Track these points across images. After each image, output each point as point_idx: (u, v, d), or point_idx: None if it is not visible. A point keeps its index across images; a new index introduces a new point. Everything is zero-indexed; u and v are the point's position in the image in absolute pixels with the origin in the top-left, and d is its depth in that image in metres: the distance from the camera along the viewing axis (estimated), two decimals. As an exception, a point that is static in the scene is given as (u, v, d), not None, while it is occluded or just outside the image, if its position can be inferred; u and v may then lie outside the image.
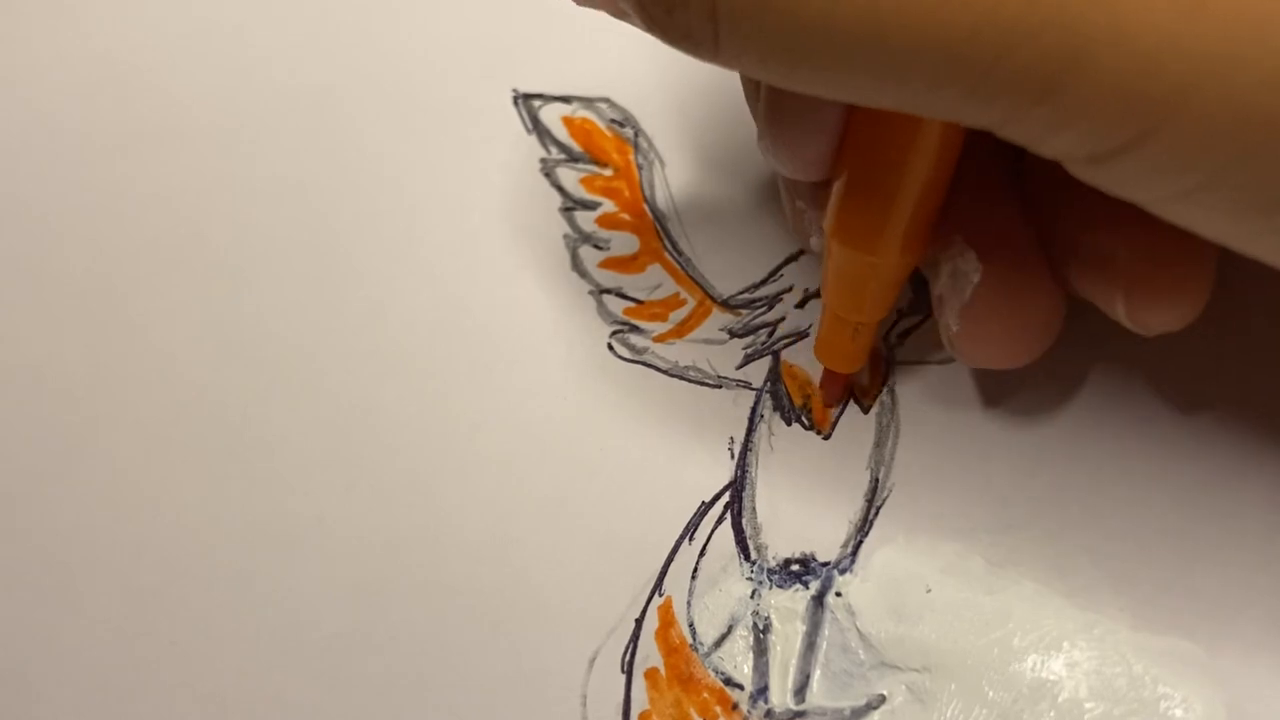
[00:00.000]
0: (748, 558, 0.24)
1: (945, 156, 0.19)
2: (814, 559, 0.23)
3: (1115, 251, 0.20)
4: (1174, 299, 0.20)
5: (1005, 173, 0.22)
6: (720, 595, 0.23)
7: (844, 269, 0.21)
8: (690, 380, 0.25)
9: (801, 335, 0.25)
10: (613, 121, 0.28)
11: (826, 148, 0.20)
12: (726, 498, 0.24)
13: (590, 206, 0.27)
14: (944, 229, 0.21)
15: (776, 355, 0.25)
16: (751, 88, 0.22)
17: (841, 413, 0.24)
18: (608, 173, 0.27)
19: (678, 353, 0.25)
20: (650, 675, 0.23)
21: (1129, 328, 0.20)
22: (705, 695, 0.23)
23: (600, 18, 0.29)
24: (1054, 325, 0.21)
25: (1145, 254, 0.20)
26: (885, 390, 0.25)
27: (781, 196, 0.24)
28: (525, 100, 0.28)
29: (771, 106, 0.20)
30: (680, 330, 0.26)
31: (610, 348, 0.26)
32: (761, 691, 0.23)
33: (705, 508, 0.24)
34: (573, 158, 0.28)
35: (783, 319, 0.25)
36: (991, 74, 0.15)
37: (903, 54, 0.15)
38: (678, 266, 0.26)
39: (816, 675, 0.23)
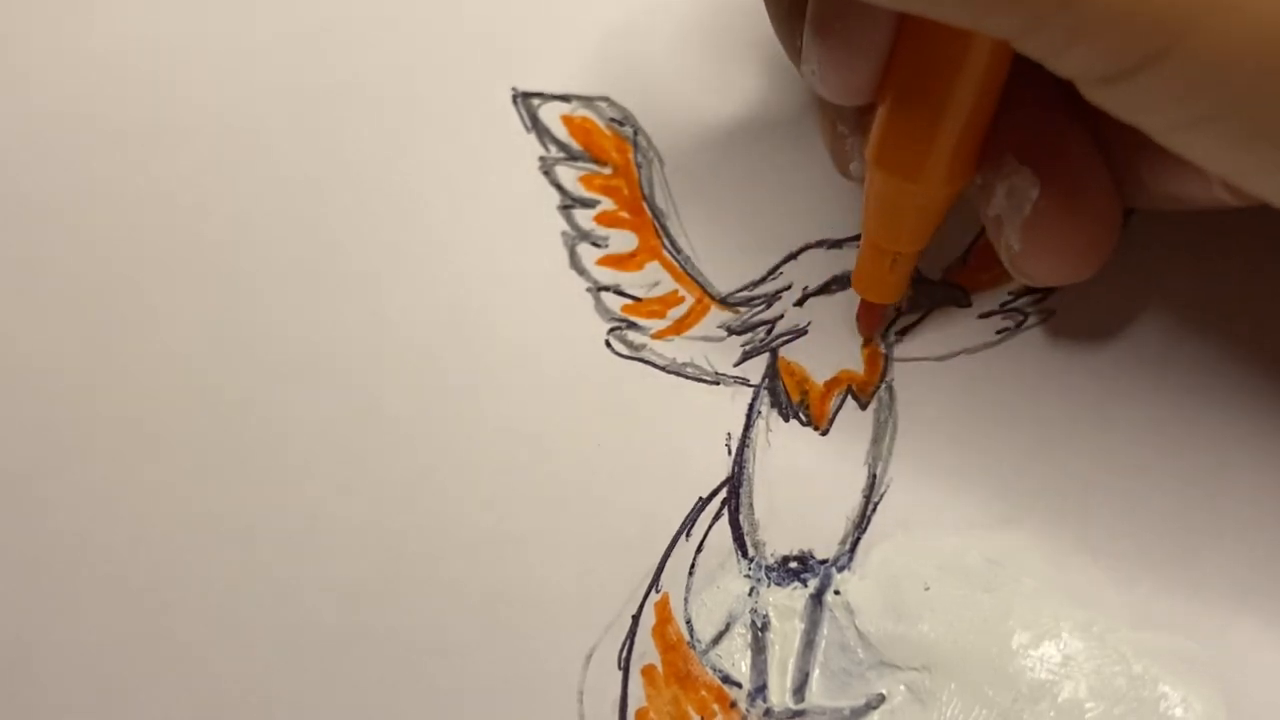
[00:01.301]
0: (745, 555, 0.24)
1: (992, 79, 0.19)
2: (812, 556, 0.23)
3: None
4: None
5: (1052, 84, 0.21)
6: (718, 592, 0.23)
7: (885, 197, 0.21)
8: (688, 377, 0.25)
9: (800, 332, 0.25)
10: (612, 120, 0.28)
11: (872, 69, 0.20)
12: (724, 494, 0.24)
13: (589, 204, 0.27)
14: (993, 150, 0.21)
15: (774, 352, 0.25)
16: (780, 13, 0.22)
17: (839, 409, 0.24)
18: (607, 171, 0.27)
19: (676, 349, 0.25)
20: (647, 672, 0.23)
21: (1229, 204, 0.20)
22: (703, 693, 0.23)
23: (599, 17, 0.29)
24: (1116, 232, 0.21)
25: None
26: (883, 386, 0.24)
27: (819, 125, 0.24)
28: (524, 99, 0.28)
29: (817, 24, 0.20)
30: (678, 327, 0.26)
31: (608, 344, 0.26)
32: (760, 690, 0.23)
33: (703, 504, 0.24)
34: (572, 156, 0.28)
35: (781, 316, 0.25)
36: None
37: None
38: (676, 264, 0.26)
39: (815, 674, 0.23)
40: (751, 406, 0.25)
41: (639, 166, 0.27)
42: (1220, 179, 0.19)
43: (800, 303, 0.26)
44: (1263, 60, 0.15)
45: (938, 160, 0.20)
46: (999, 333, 0.25)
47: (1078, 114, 0.21)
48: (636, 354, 0.25)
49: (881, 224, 0.22)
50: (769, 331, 0.25)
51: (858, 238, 0.26)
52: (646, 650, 0.23)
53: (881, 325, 0.24)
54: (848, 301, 0.25)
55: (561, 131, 0.28)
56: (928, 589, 0.23)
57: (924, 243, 0.22)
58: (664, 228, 0.27)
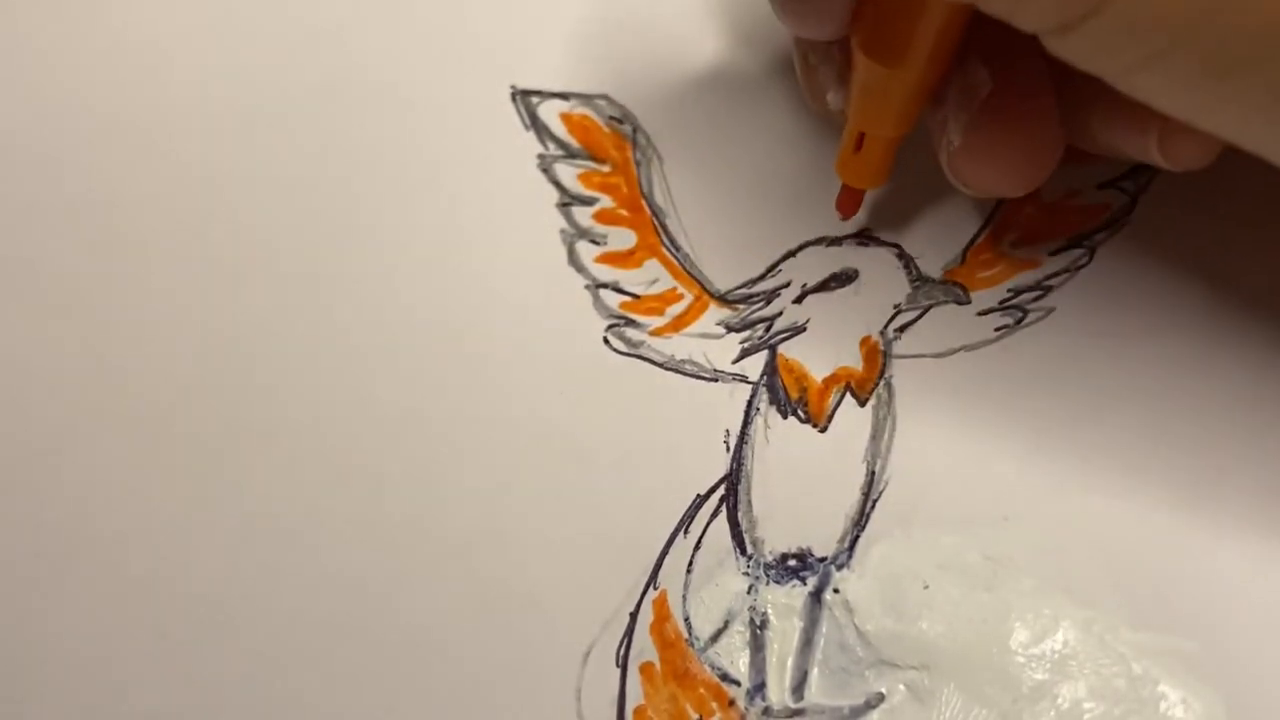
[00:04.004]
0: (744, 552, 0.23)
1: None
2: (811, 554, 0.23)
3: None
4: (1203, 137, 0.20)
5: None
6: (717, 590, 0.23)
7: (870, 83, 0.22)
8: (686, 374, 0.25)
9: (799, 329, 0.25)
10: (611, 118, 0.28)
11: (840, 18, 0.21)
12: (722, 491, 0.24)
13: (588, 202, 0.27)
14: (963, 53, 0.22)
15: (773, 349, 0.25)
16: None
17: (838, 406, 0.24)
18: (606, 169, 0.27)
19: (674, 346, 0.25)
20: (645, 670, 0.23)
21: (1159, 164, 0.21)
22: (701, 691, 0.23)
23: (598, 15, 0.29)
24: (1051, 157, 0.22)
25: None
26: (882, 383, 0.24)
27: (795, 58, 0.24)
28: (523, 96, 0.28)
29: None
30: (677, 324, 0.26)
31: (606, 341, 0.26)
32: (759, 688, 0.23)
33: (701, 501, 0.24)
34: (570, 154, 0.28)
35: (780, 313, 0.25)
36: None
37: None
38: (675, 262, 0.26)
39: (814, 673, 0.23)
40: (750, 403, 0.25)
41: (638, 164, 0.27)
42: (1158, 134, 0.21)
43: (799, 300, 0.26)
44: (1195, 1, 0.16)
45: (917, 50, 0.21)
46: (998, 330, 0.25)
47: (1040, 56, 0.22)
48: (635, 351, 0.25)
49: (867, 109, 0.23)
50: (768, 328, 0.25)
51: (857, 235, 0.26)
52: (645, 648, 0.23)
53: (858, 208, 0.25)
54: (847, 299, 0.25)
55: (560, 129, 0.28)
56: (927, 587, 0.23)
57: (908, 128, 0.23)
58: (663, 225, 0.27)
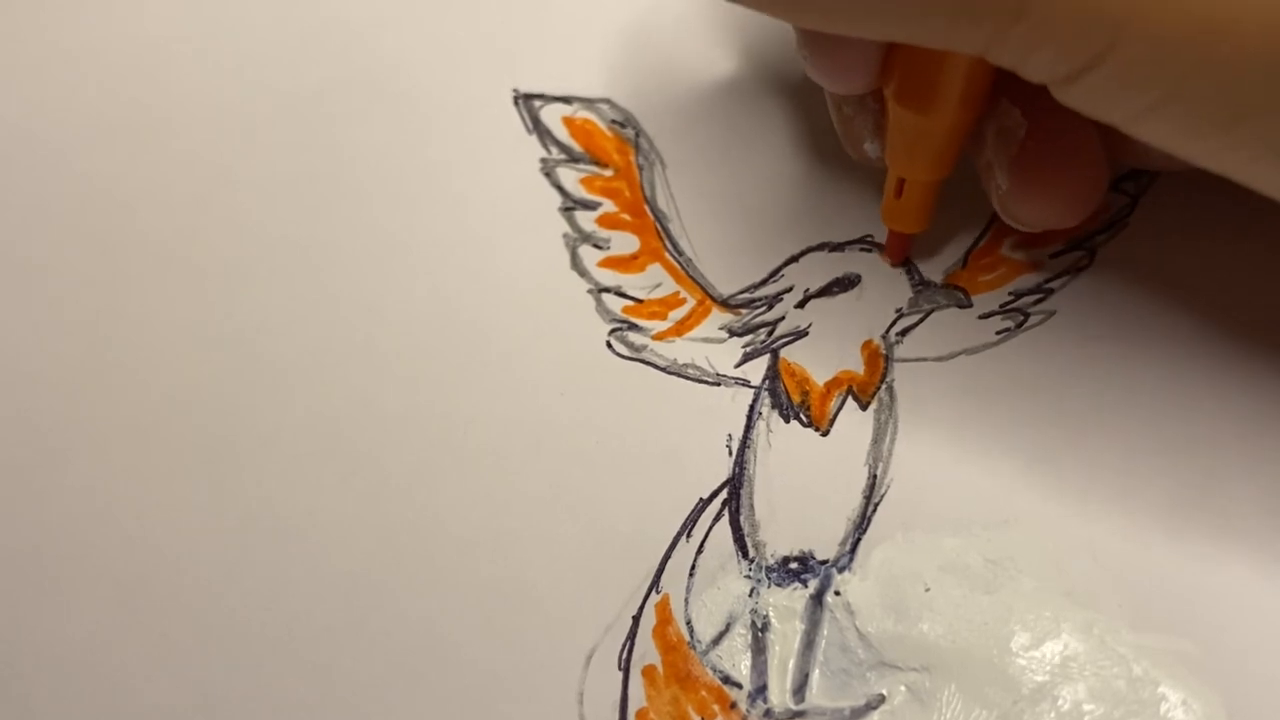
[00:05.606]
0: (746, 555, 0.24)
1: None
2: (812, 557, 0.23)
3: None
4: None
5: None
6: (718, 593, 0.23)
7: (904, 130, 0.23)
8: (689, 378, 0.25)
9: (801, 334, 0.25)
10: (614, 122, 0.28)
11: (869, 72, 0.22)
12: (724, 495, 0.24)
13: (590, 206, 0.27)
14: (996, 95, 0.22)
15: (775, 353, 0.25)
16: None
17: (840, 410, 0.25)
18: (608, 173, 0.27)
19: (677, 350, 0.25)
20: (648, 673, 0.23)
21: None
22: (703, 693, 0.23)
23: (601, 19, 0.29)
24: (1100, 183, 0.23)
25: None
26: (884, 387, 0.25)
27: (829, 107, 0.25)
28: (525, 100, 0.28)
29: (810, 39, 0.22)
30: (679, 329, 0.26)
31: (609, 345, 0.26)
32: (760, 690, 0.23)
33: (703, 504, 0.24)
34: (573, 158, 0.28)
35: (782, 318, 0.26)
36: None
37: None
38: (678, 266, 0.26)
39: (815, 675, 0.23)
40: (752, 407, 0.25)
41: (640, 169, 0.27)
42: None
43: (801, 305, 0.26)
44: (1198, 45, 0.16)
45: (947, 97, 0.21)
46: (999, 333, 0.25)
47: None
48: (637, 355, 0.25)
49: (903, 156, 0.23)
50: (770, 333, 0.25)
51: (859, 240, 0.26)
52: (647, 651, 0.23)
53: (906, 253, 0.26)
54: (849, 304, 0.25)
55: (563, 133, 0.28)
56: (928, 590, 0.23)
57: (946, 171, 0.23)
58: (665, 230, 0.27)
